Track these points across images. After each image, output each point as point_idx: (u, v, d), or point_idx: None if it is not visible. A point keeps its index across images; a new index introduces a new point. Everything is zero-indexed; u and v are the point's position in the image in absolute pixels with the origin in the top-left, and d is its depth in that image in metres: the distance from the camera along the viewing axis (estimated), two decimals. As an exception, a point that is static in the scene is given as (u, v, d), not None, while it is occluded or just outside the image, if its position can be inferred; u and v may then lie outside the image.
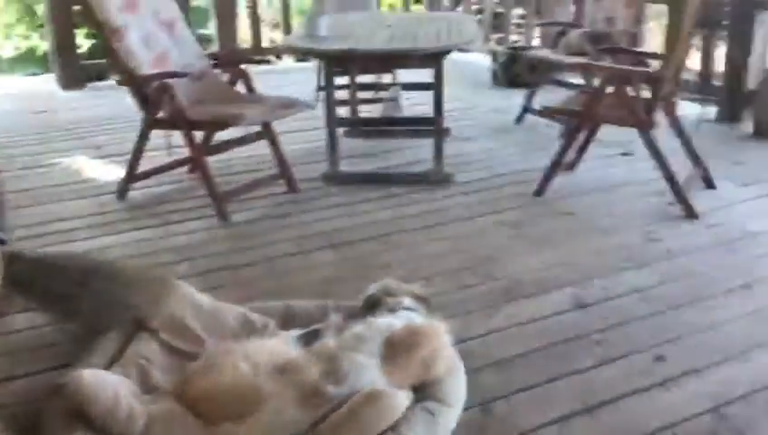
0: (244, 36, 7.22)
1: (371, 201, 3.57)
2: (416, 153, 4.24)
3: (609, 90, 3.26)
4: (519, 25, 7.82)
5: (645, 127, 3.28)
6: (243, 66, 3.84)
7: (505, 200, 3.57)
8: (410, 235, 3.18)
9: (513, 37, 7.31)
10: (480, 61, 7.28)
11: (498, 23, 7.47)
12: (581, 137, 3.74)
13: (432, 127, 3.81)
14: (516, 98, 5.69)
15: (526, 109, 5.01)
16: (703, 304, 2.51)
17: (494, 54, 6.39)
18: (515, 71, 6.17)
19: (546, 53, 4.85)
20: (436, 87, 3.66)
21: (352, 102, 4.60)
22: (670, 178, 3.31)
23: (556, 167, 3.54)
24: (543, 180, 3.58)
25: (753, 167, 3.95)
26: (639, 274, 2.74)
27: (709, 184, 3.65)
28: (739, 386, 2.05)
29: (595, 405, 2.02)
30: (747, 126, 4.65)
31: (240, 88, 3.77)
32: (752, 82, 4.70)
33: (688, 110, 4.89)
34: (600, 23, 4.82)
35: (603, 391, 2.07)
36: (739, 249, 2.96)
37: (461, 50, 4.66)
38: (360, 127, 4.14)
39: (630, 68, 3.45)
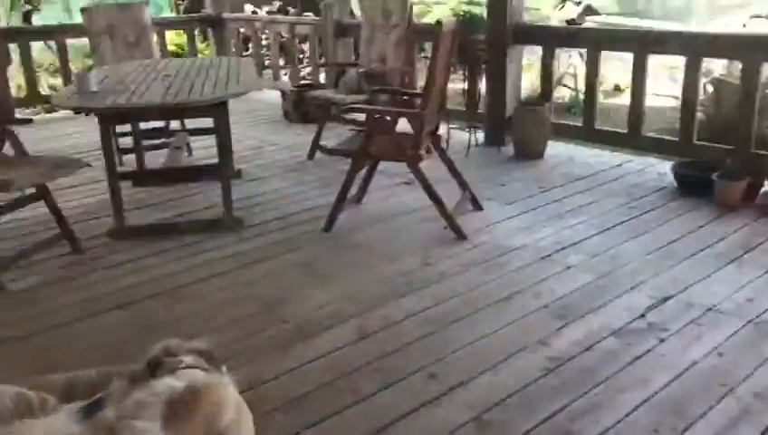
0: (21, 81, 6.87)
1: (161, 254, 3.55)
2: (208, 198, 4.28)
3: (380, 129, 3.55)
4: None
5: (412, 161, 3.58)
6: (9, 126, 3.67)
7: (297, 239, 3.72)
8: (201, 285, 3.21)
9: (305, 72, 7.58)
10: (273, 97, 7.47)
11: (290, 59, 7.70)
12: (363, 172, 4.01)
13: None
14: (308, 134, 5.92)
15: (316, 146, 5.23)
16: (469, 320, 2.80)
17: (283, 93, 6.59)
18: (305, 107, 6.40)
19: (327, 93, 5.10)
20: (218, 135, 3.74)
21: (137, 152, 4.55)
22: (440, 205, 3.64)
23: (340, 203, 3.75)
24: (330, 216, 3.78)
25: (515, 187, 4.44)
26: (416, 298, 3.00)
27: (477, 206, 4.05)
28: (497, 392, 2.33)
29: (378, 429, 2.19)
30: (510, 149, 5.20)
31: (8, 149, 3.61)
32: (509, 109, 5.27)
33: (462, 137, 5.41)
34: (375, 62, 5.17)
35: (385, 415, 2.25)
36: (502, 264, 3.32)
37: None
38: (145, 178, 4.10)
39: (394, 109, 3.76)
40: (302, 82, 6.88)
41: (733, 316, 2.75)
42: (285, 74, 7.55)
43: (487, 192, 4.32)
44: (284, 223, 3.96)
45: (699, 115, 4.69)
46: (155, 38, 6.09)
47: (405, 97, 4.03)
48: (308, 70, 7.58)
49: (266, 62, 7.90)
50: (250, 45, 9.68)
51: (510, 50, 5.17)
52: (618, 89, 10.53)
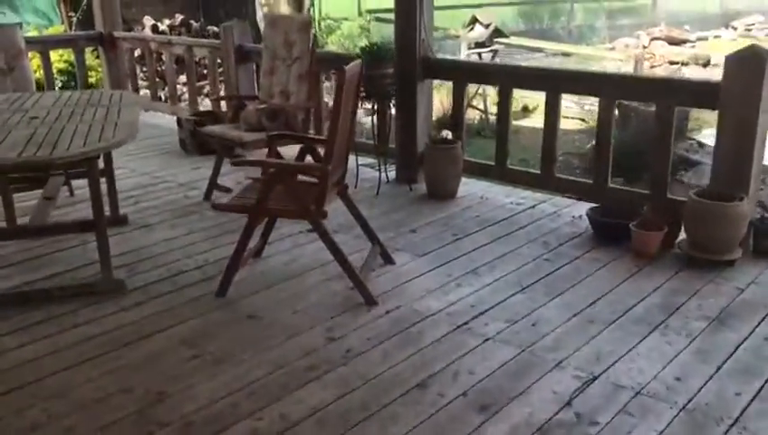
0: None
1: (22, 330, 3.06)
2: (86, 252, 3.79)
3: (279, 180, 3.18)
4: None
5: (315, 218, 3.24)
6: None
7: (185, 308, 3.29)
8: (69, 375, 2.74)
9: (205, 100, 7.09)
10: (169, 123, 6.94)
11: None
12: (262, 226, 3.63)
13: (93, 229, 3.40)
14: (206, 168, 5.47)
15: (213, 185, 4.80)
16: (378, 418, 2.47)
17: (180, 121, 6.10)
18: (203, 137, 5.94)
19: (224, 130, 4.68)
20: (91, 190, 3.27)
21: (4, 201, 3.99)
22: (347, 268, 3.31)
23: (234, 265, 3.35)
24: (225, 279, 3.37)
25: (427, 233, 4.16)
26: (319, 387, 2.64)
27: (388, 259, 3.74)
28: None
29: None
30: (422, 187, 4.94)
31: None
32: (420, 145, 5.00)
33: (372, 173, 5.10)
34: (276, 96, 4.79)
35: None
36: (416, 337, 3.01)
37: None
38: (6, 236, 3.58)
39: (294, 164, 3.39)
40: (200, 110, 6.41)
41: (663, 402, 2.53)
42: (183, 98, 7.07)
43: (398, 240, 4.03)
44: (172, 284, 3.52)
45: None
46: (30, 63, 5.49)
47: (307, 143, 3.68)
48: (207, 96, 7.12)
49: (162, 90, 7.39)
50: (144, 69, 9.13)
51: (420, 84, 4.91)
52: (526, 109, 10.57)
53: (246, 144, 4.40)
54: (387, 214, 4.49)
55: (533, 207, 4.61)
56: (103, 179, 4.06)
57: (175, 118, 6.90)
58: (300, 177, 3.43)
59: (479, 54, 9.49)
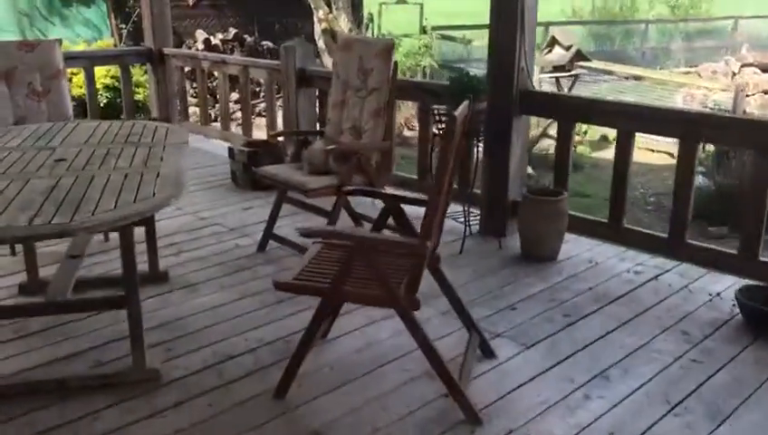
0: None
1: (24, 450, 2.36)
2: (115, 325, 3.10)
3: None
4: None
5: (406, 309, 2.48)
6: None
7: (233, 414, 2.56)
8: None
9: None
10: (220, 150, 6.30)
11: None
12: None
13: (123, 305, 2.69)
14: (261, 208, 4.80)
15: (269, 234, 4.09)
16: None
17: (232, 152, 5.43)
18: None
19: (283, 171, 3.96)
20: (125, 260, 2.57)
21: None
22: (443, 373, 2.53)
23: (299, 361, 2.61)
24: (285, 379, 2.63)
25: (530, 311, 3.36)
26: None
27: (487, 350, 2.96)
28: None
29: None
30: (513, 242, 4.15)
31: None
32: (512, 192, 4.22)
33: (450, 224, 4.33)
34: (346, 133, 4.06)
35: None
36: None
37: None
38: (14, 313, 2.91)
39: (386, 239, 2.62)
40: (254, 138, 5.74)
41: None
42: (235, 116, 6.42)
43: (496, 321, 3.24)
44: (218, 376, 2.79)
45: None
46: (70, 82, 4.90)
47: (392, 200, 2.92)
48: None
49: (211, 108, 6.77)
50: (195, 86, 8.56)
51: (516, 121, 4.13)
52: (605, 139, 9.68)
53: (312, 192, 3.67)
54: (476, 280, 3.70)
55: (657, 277, 3.76)
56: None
57: (226, 145, 6.29)
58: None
59: (557, 80, 8.66)
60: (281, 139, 5.43)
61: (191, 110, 8.30)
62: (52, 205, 2.38)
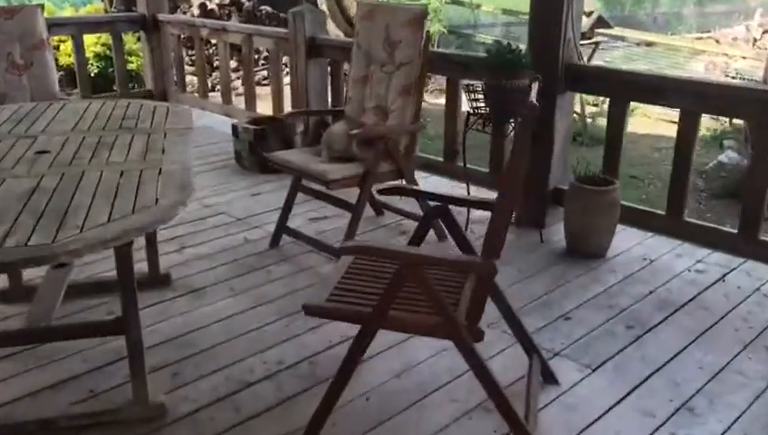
0: None
1: None
2: (103, 352, 2.64)
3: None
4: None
5: (466, 339, 2.04)
6: None
7: (256, 462, 2.15)
8: None
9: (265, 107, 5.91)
10: (223, 126, 5.81)
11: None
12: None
13: (122, 334, 2.25)
14: (270, 194, 4.35)
15: (283, 228, 3.64)
16: None
17: (236, 130, 4.94)
18: (266, 150, 4.77)
19: (299, 157, 3.48)
20: (123, 282, 2.12)
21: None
22: (504, 409, 2.10)
23: (333, 400, 2.17)
24: (315, 422, 2.18)
25: (587, 322, 2.93)
26: None
27: (548, 376, 2.53)
28: None
29: None
30: (554, 234, 3.72)
31: None
32: (554, 178, 3.78)
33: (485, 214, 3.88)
34: (370, 113, 3.58)
35: None
36: None
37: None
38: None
39: (444, 258, 2.13)
40: (259, 115, 5.24)
41: None
42: (234, 86, 5.92)
43: (551, 335, 2.81)
44: (234, 410, 2.36)
45: None
46: (55, 52, 4.39)
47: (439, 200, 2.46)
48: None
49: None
50: (192, 53, 8.01)
51: (560, 99, 3.66)
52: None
53: (334, 183, 3.21)
54: (521, 282, 3.27)
55: (723, 278, 3.33)
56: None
57: (227, 120, 5.80)
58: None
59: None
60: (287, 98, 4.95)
61: (188, 78, 7.77)
62: (30, 216, 1.91)
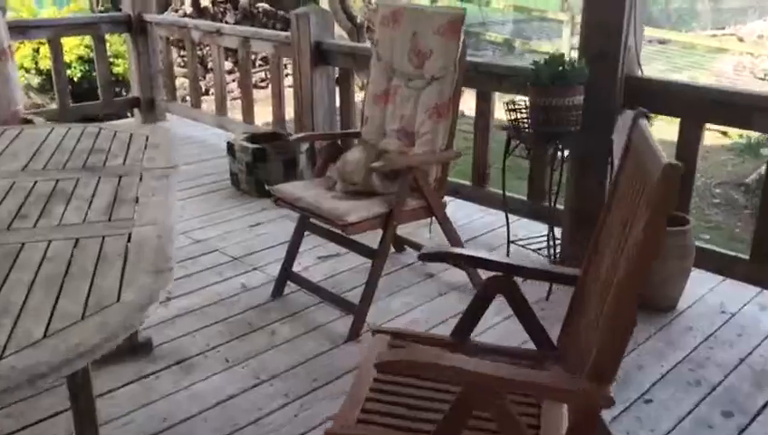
0: None
1: None
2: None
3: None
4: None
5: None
6: None
7: None
8: None
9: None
10: (215, 139, 5.22)
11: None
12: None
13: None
14: (272, 226, 3.77)
15: (287, 274, 3.04)
16: None
17: (232, 148, 4.34)
18: (267, 172, 4.18)
19: (306, 194, 2.86)
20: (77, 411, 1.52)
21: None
22: None
23: None
24: None
25: (675, 408, 2.33)
26: None
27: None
28: None
29: None
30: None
31: None
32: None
33: (528, 253, 3.30)
34: (393, 137, 2.98)
35: None
36: None
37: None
38: None
39: (532, 381, 1.50)
40: (259, 129, 4.63)
41: None
42: (229, 90, 5.33)
43: (630, 427, 2.22)
44: None
45: None
46: (13, 62, 3.80)
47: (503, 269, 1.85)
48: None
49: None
50: (183, 54, 7.40)
51: (620, 118, 3.07)
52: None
53: (353, 227, 2.60)
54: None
55: (826, 340, 2.75)
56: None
57: (221, 132, 5.21)
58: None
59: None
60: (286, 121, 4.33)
61: (180, 81, 7.17)
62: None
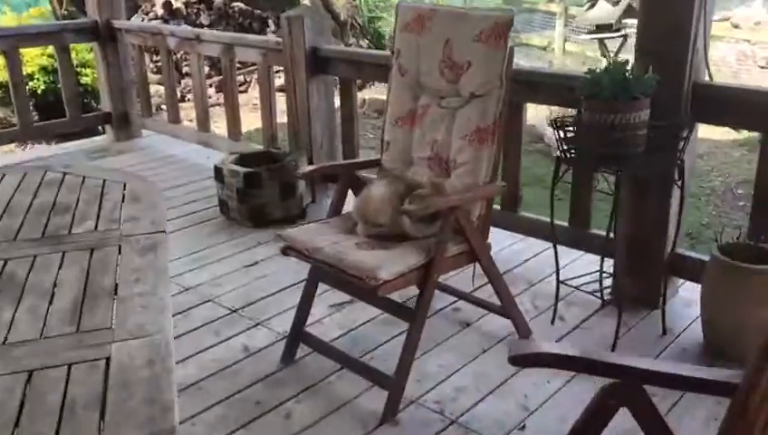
0: None
1: None
2: None
3: None
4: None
5: None
6: None
7: None
8: None
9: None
10: (198, 157, 4.70)
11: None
12: None
13: None
14: (271, 264, 3.26)
15: (299, 333, 2.53)
16: None
17: (220, 172, 3.79)
18: (261, 199, 3.66)
19: (324, 242, 2.33)
20: None
21: None
22: None
23: None
24: None
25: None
26: None
27: None
28: None
29: None
30: (677, 319, 2.67)
31: None
32: (672, 241, 2.72)
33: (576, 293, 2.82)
34: (423, 166, 2.47)
35: None
36: None
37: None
38: None
39: None
40: (250, 151, 4.09)
41: None
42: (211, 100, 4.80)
43: None
44: None
45: None
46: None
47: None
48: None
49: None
50: (157, 58, 6.80)
51: (686, 131, 2.59)
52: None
53: (385, 287, 2.09)
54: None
55: None
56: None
57: (205, 150, 4.68)
58: None
59: (601, 42, 7.08)
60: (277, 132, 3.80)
61: (153, 89, 6.59)
62: None
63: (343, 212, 2.55)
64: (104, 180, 2.06)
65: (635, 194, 2.74)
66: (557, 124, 2.57)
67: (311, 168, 2.44)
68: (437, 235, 2.20)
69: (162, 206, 1.89)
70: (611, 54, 7.19)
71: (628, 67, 2.41)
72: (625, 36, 7.09)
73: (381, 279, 2.08)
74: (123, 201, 1.91)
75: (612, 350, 2.53)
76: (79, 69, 7.41)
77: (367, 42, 10.10)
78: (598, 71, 2.43)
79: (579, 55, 7.83)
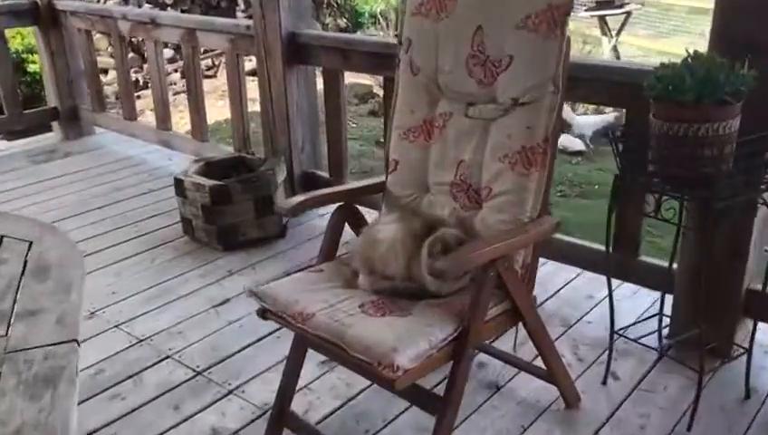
0: None
1: None
2: None
3: None
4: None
5: None
6: None
7: None
8: None
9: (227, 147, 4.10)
10: (158, 159, 4.08)
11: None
12: None
13: None
14: (245, 304, 2.63)
15: (283, 416, 1.92)
16: None
17: (181, 185, 3.14)
18: (232, 217, 3.03)
19: (317, 305, 1.72)
20: None
21: None
22: None
23: None
24: None
25: None
26: None
27: None
28: None
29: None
30: (760, 375, 2.12)
31: None
32: (750, 276, 2.17)
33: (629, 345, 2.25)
34: (442, 193, 1.86)
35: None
36: None
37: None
38: None
39: None
40: (217, 157, 3.43)
41: None
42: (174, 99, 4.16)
43: None
44: None
45: None
46: None
47: None
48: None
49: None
50: (110, 48, 6.09)
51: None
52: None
53: (405, 376, 1.50)
54: None
55: None
56: None
57: (164, 146, 4.06)
58: None
59: (602, 18, 6.51)
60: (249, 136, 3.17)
61: (111, 75, 5.89)
62: None
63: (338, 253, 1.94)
64: (2, 237, 1.43)
65: (706, 219, 2.17)
66: (613, 135, 1.98)
67: (297, 200, 1.82)
68: (470, 290, 1.60)
69: (81, 284, 1.27)
70: (613, 33, 6.62)
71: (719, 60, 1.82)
72: (628, 13, 6.52)
73: (401, 368, 1.48)
74: (22, 275, 1.28)
75: (689, 429, 1.96)
76: (26, 55, 6.68)
77: (344, 21, 9.43)
78: (672, 63, 1.82)
79: (577, 35, 7.25)
